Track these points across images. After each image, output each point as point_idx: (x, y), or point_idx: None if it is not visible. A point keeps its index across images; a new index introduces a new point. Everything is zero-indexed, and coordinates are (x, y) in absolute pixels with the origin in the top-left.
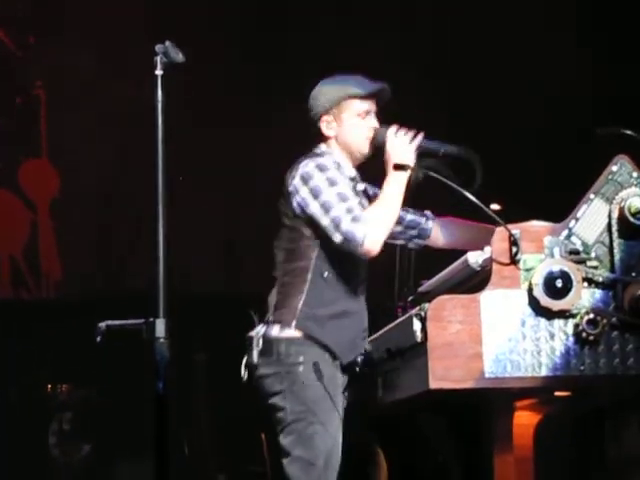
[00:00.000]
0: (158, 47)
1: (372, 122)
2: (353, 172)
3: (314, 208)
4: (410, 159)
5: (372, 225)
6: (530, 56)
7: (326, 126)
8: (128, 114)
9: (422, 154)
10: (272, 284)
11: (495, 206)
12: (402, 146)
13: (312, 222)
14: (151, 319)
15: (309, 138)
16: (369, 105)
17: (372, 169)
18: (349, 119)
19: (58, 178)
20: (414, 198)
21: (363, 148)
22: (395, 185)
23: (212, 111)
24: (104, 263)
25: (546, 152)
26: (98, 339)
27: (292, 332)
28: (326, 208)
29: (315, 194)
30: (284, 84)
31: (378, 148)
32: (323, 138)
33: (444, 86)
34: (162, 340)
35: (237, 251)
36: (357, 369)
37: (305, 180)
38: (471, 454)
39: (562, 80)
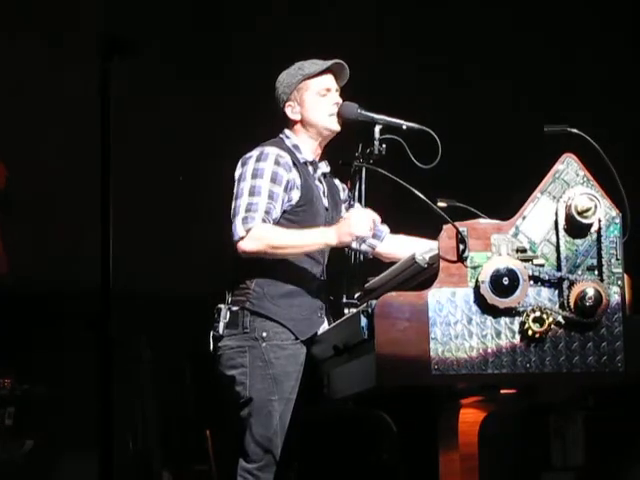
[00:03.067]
0: (105, 42)
1: (334, 98)
2: (311, 157)
3: (234, 190)
4: (350, 241)
5: (253, 235)
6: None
7: (291, 111)
8: (75, 109)
9: (385, 129)
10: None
11: (442, 204)
12: (357, 225)
13: None
14: (97, 316)
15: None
16: (328, 82)
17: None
18: (310, 99)
19: (4, 171)
20: (373, 170)
21: (330, 124)
22: (321, 239)
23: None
24: (50, 258)
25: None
26: None
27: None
28: (237, 195)
29: (240, 179)
30: (234, 82)
31: (345, 123)
32: (290, 124)
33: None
34: (108, 337)
35: (181, 249)
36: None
37: (242, 164)
38: (417, 451)
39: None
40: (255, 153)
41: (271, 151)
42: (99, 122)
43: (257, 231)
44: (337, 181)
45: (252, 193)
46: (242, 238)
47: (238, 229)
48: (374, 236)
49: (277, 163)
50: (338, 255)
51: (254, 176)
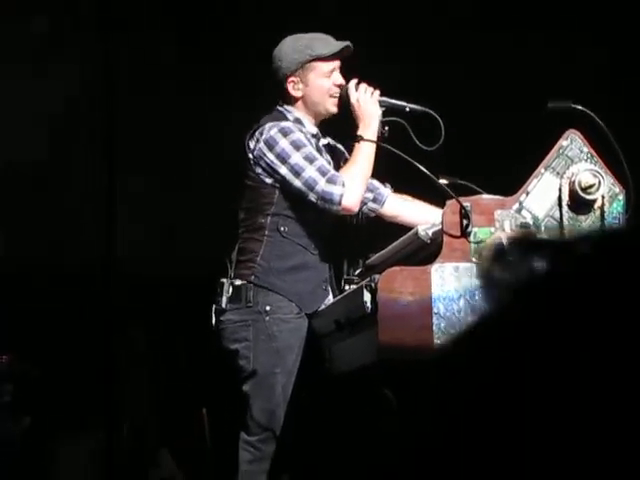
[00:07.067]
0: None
1: (337, 79)
2: (314, 129)
3: (283, 172)
4: (375, 111)
5: (349, 185)
6: None
7: (293, 87)
8: (68, 96)
9: (388, 111)
10: (223, 253)
11: (444, 181)
12: (365, 100)
13: (282, 184)
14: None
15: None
16: (334, 63)
17: (336, 123)
18: (315, 80)
19: None
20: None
21: (330, 107)
22: (367, 139)
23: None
24: (45, 234)
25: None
26: None
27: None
28: (296, 171)
29: (282, 159)
30: (233, 65)
31: (345, 105)
32: (288, 97)
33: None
34: (108, 318)
35: (176, 230)
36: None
37: (270, 146)
38: (417, 426)
39: None
40: (275, 130)
41: (287, 124)
42: (103, 99)
43: (348, 181)
44: (339, 146)
45: (310, 161)
46: (343, 195)
47: (334, 189)
48: (374, 200)
49: (300, 131)
50: (339, 228)
51: (297, 148)
